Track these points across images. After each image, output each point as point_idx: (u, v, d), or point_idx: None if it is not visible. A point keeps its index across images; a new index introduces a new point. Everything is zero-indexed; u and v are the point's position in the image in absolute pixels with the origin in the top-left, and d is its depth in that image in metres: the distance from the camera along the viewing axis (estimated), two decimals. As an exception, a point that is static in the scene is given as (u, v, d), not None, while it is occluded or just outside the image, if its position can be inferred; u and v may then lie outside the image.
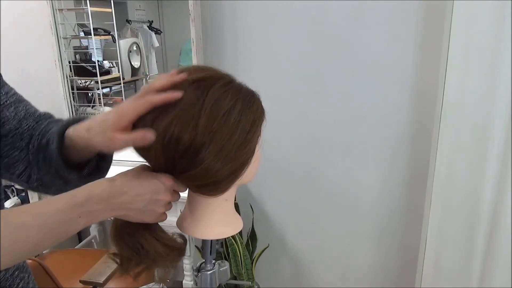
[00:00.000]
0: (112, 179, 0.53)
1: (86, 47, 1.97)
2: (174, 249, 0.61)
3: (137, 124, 0.53)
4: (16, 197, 2.01)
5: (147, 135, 0.50)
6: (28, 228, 0.45)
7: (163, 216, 0.59)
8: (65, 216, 0.48)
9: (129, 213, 0.54)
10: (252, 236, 1.80)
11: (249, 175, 0.59)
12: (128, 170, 0.55)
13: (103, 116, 0.53)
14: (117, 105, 0.53)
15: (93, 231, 2.11)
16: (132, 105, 0.51)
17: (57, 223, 0.48)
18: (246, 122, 0.54)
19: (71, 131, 0.57)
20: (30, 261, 1.40)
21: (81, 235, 2.16)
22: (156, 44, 1.96)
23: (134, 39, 1.95)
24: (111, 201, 0.51)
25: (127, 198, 0.52)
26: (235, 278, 1.71)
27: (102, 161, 0.64)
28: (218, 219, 0.63)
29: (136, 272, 0.60)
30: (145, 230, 0.58)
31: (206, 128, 0.51)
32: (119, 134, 0.51)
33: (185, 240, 0.63)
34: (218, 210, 0.62)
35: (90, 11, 1.79)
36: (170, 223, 1.68)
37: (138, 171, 0.56)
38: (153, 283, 1.56)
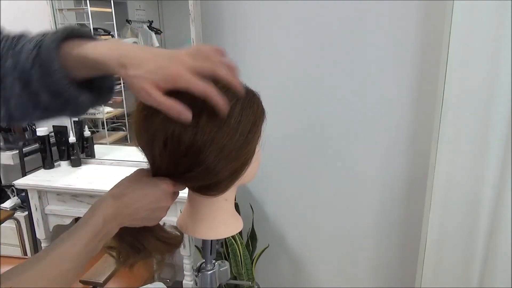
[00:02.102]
0: (117, 195, 0.53)
1: (86, 47, 1.97)
2: (174, 244, 0.63)
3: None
4: (16, 197, 2.01)
5: (184, 113, 0.48)
6: (66, 275, 0.47)
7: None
8: (91, 246, 0.49)
9: (133, 222, 0.56)
10: (252, 236, 1.80)
11: (249, 175, 0.59)
12: (129, 180, 0.56)
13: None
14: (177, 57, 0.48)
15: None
16: (190, 81, 0.47)
17: (86, 256, 0.49)
18: (247, 122, 0.54)
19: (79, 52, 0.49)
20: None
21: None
22: (156, 44, 1.96)
23: (134, 39, 1.94)
24: (121, 217, 0.53)
25: (133, 211, 0.54)
26: (235, 278, 1.71)
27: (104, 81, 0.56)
28: (219, 219, 0.63)
29: (132, 263, 0.62)
30: (147, 232, 0.59)
31: (206, 128, 0.51)
32: (158, 92, 0.47)
33: (181, 233, 0.65)
34: (219, 210, 0.62)
35: (90, 11, 1.79)
36: (170, 223, 1.68)
37: (139, 180, 0.56)
38: (153, 283, 1.56)
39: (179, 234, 0.64)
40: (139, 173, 0.57)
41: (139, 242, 0.59)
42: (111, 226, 0.51)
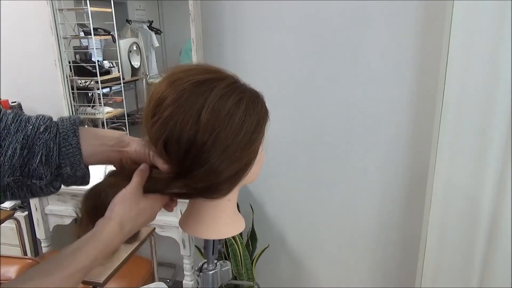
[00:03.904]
0: (122, 225, 0.55)
1: (86, 47, 1.97)
2: None
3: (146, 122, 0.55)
4: (16, 197, 2.00)
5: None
6: None
7: None
8: (88, 271, 0.52)
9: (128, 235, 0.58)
10: (252, 236, 1.80)
11: (252, 176, 0.59)
12: (126, 200, 0.56)
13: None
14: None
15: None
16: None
17: (77, 285, 0.51)
18: (251, 123, 0.54)
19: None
20: (31, 261, 1.40)
21: (81, 235, 2.15)
22: (156, 44, 1.96)
23: (134, 39, 1.94)
24: (119, 240, 0.55)
25: (128, 232, 0.56)
26: (235, 278, 1.71)
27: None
28: (221, 219, 0.63)
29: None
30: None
31: (208, 126, 0.51)
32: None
33: None
34: (221, 210, 0.62)
35: (90, 11, 1.79)
36: (170, 223, 1.68)
37: (137, 201, 0.56)
38: (154, 283, 1.56)
39: None
40: (135, 194, 0.57)
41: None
42: (111, 252, 0.55)
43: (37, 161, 0.54)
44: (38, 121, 0.56)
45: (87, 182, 0.60)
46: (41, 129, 0.55)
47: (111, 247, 0.53)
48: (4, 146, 0.53)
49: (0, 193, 0.55)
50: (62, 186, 0.60)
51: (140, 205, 0.56)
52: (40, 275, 0.47)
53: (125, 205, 0.55)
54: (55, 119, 0.58)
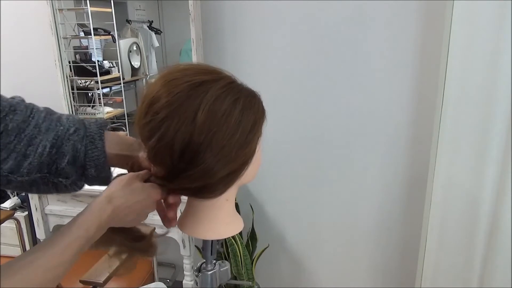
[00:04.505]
0: (112, 200, 0.56)
1: (86, 47, 1.97)
2: (142, 238, 0.65)
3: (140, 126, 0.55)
4: (16, 197, 2.01)
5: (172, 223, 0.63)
6: (55, 279, 0.51)
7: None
8: (81, 249, 0.54)
9: (118, 224, 0.58)
10: (252, 236, 1.80)
11: (249, 176, 0.59)
12: (123, 184, 0.57)
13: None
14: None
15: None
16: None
17: (76, 257, 0.54)
18: (247, 123, 0.54)
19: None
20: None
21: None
22: (156, 44, 1.96)
23: (134, 39, 1.94)
24: (113, 221, 0.57)
25: (123, 216, 0.57)
26: (235, 278, 1.71)
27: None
28: (219, 219, 0.63)
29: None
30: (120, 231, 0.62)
31: (204, 127, 0.51)
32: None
33: (153, 228, 0.67)
34: (219, 210, 0.62)
35: (90, 11, 1.79)
36: (170, 223, 1.64)
37: (132, 185, 0.58)
38: (153, 283, 1.56)
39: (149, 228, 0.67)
40: (132, 178, 0.59)
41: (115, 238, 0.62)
42: (103, 231, 0.56)
43: (65, 161, 0.57)
44: (68, 122, 0.59)
45: (108, 183, 0.61)
46: (71, 131, 0.58)
47: (101, 218, 0.55)
48: (35, 143, 0.55)
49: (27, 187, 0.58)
50: None
51: (132, 185, 0.58)
52: (40, 249, 0.51)
53: (117, 183, 0.58)
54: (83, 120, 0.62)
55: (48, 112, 0.59)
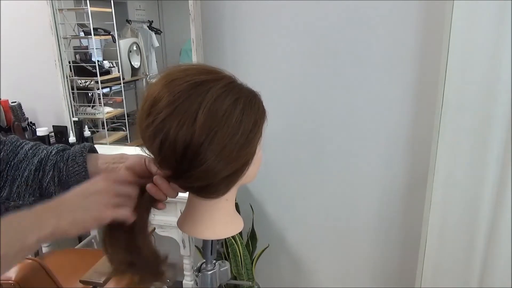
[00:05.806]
0: (59, 213, 0.51)
1: (86, 47, 1.97)
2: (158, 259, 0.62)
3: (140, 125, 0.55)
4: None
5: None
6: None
7: (116, 212, 0.55)
8: (33, 248, 0.50)
9: (75, 216, 0.52)
10: (252, 236, 1.80)
11: (250, 176, 0.59)
12: (85, 189, 0.55)
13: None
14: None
15: (93, 231, 2.11)
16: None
17: (24, 254, 0.50)
18: (248, 123, 0.54)
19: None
20: (30, 261, 1.40)
21: (81, 235, 2.16)
22: (156, 44, 1.96)
23: (134, 39, 1.95)
24: (54, 235, 0.50)
25: (65, 228, 0.51)
26: (235, 278, 1.71)
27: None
28: (219, 219, 0.63)
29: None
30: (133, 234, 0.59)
31: (204, 126, 0.50)
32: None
33: (166, 257, 0.63)
34: (219, 210, 0.62)
35: (90, 11, 1.79)
36: (170, 223, 1.68)
37: (88, 195, 0.54)
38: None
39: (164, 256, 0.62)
40: (96, 188, 0.55)
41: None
42: (44, 243, 0.55)
43: (48, 178, 0.62)
44: (53, 147, 0.65)
45: None
46: (53, 152, 0.64)
47: (40, 233, 0.48)
48: (21, 168, 0.62)
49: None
50: None
51: (89, 198, 0.53)
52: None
53: (77, 191, 0.54)
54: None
55: (37, 143, 0.66)
